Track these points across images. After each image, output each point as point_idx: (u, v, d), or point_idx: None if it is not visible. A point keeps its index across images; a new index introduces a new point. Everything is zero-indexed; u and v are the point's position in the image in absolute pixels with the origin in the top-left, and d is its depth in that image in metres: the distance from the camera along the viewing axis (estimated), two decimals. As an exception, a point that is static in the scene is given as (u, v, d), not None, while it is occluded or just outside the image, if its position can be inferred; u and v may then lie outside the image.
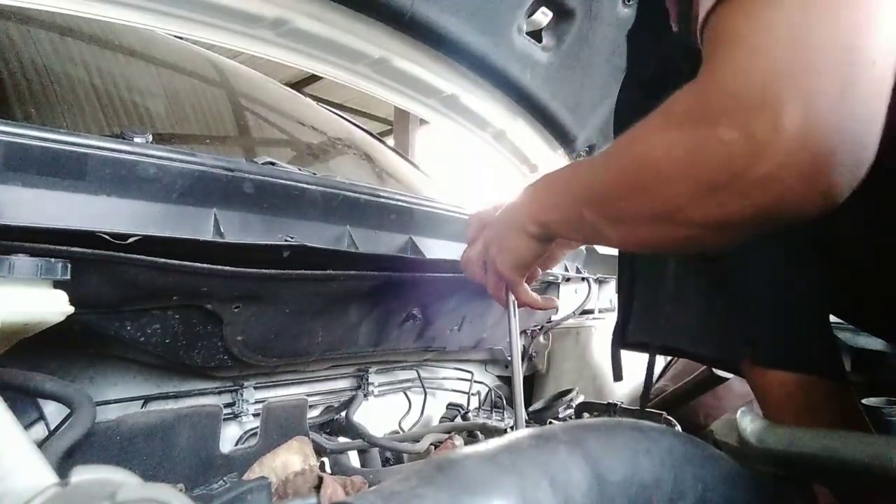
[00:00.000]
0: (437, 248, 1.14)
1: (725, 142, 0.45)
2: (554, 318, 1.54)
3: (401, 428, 1.28)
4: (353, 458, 1.12)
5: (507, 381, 1.55)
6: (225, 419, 0.94)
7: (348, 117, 2.03)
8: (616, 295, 1.66)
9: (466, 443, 1.17)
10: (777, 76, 0.42)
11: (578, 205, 0.64)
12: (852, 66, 0.42)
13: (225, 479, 0.90)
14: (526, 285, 0.87)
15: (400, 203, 1.08)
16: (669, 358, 1.61)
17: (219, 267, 0.75)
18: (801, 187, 0.43)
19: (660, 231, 0.54)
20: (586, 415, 1.31)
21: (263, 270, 0.79)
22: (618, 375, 0.97)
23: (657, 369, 1.64)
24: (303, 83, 6.80)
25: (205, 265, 0.73)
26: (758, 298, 0.78)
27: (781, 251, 0.76)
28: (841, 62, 0.42)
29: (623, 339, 0.94)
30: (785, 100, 0.42)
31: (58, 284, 0.62)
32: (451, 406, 1.38)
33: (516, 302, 0.89)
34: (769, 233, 0.49)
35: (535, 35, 1.43)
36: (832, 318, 0.82)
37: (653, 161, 0.51)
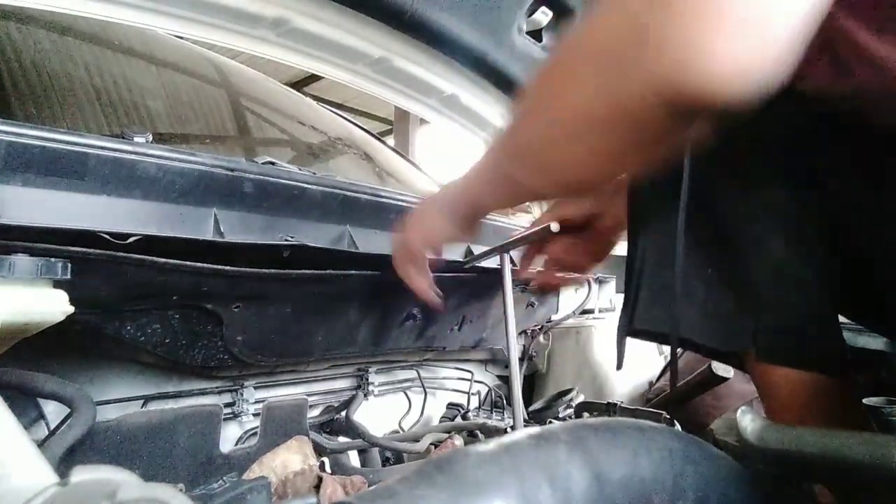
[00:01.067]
0: (437, 248, 1.14)
1: (634, 11, 0.41)
2: (554, 317, 1.54)
3: (401, 428, 1.28)
4: (353, 458, 1.12)
5: (507, 380, 1.55)
6: (225, 419, 0.94)
7: (348, 117, 2.03)
8: (619, 292, 1.66)
9: (466, 443, 1.17)
10: None
11: (502, 164, 0.66)
12: None
13: (225, 478, 0.90)
14: (424, 269, 0.88)
15: (400, 203, 1.08)
16: (670, 357, 1.60)
17: (219, 267, 0.75)
18: (709, 49, 0.38)
19: (566, 151, 0.52)
20: (586, 414, 1.31)
21: (263, 270, 0.79)
22: (620, 364, 0.96)
23: (657, 369, 1.64)
24: (303, 83, 6.80)
25: (205, 265, 0.73)
26: (762, 291, 0.78)
27: (788, 244, 0.76)
28: None
29: (629, 327, 0.94)
30: None
31: (58, 284, 0.62)
32: (451, 406, 1.38)
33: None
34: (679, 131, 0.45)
35: (535, 35, 1.43)
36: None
37: (566, 65, 0.50)
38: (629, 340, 0.97)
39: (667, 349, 1.59)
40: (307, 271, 0.84)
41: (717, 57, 0.38)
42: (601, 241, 0.97)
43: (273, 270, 0.80)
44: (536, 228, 0.92)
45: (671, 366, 0.91)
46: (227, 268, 0.75)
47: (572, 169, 0.55)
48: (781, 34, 0.39)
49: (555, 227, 0.88)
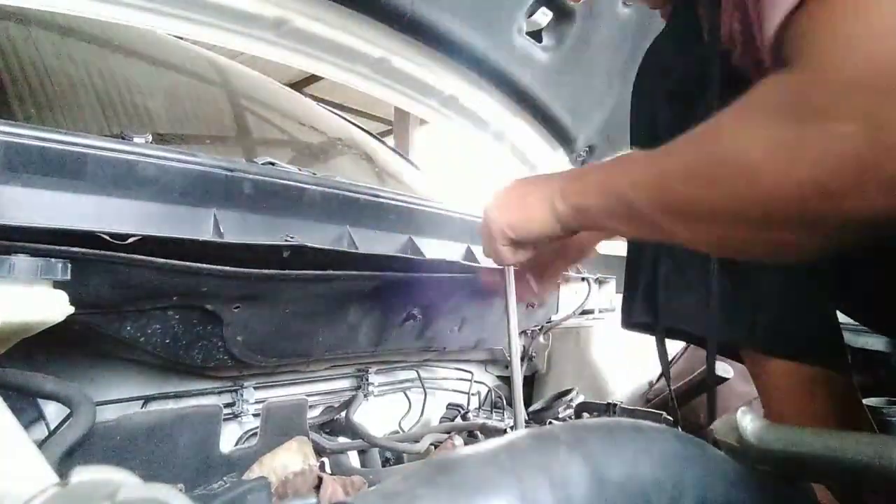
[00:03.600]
0: (436, 248, 1.14)
1: (843, 136, 0.39)
2: (554, 318, 1.54)
3: (401, 428, 1.28)
4: (353, 458, 1.12)
5: (507, 380, 1.55)
6: (225, 419, 0.94)
7: (348, 117, 2.03)
8: (619, 292, 1.66)
9: (466, 443, 1.17)
10: None
11: (627, 191, 0.57)
12: None
13: (225, 479, 0.90)
14: (510, 250, 0.81)
15: (400, 203, 1.08)
16: (670, 358, 1.61)
17: (219, 267, 0.75)
18: None
19: (741, 233, 0.48)
20: (586, 415, 1.31)
21: (263, 271, 0.79)
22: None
23: (657, 370, 1.64)
24: (303, 83, 6.80)
25: (205, 265, 0.73)
26: (761, 284, 0.78)
27: None
28: None
29: (628, 318, 0.94)
30: None
31: (58, 284, 0.62)
32: (451, 406, 1.38)
33: (511, 271, 0.87)
34: (875, 237, 0.43)
35: (535, 35, 1.43)
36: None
37: (741, 155, 0.45)
38: (631, 339, 0.97)
39: (668, 346, 1.59)
40: (307, 271, 0.84)
41: None
42: (571, 249, 0.98)
43: (273, 271, 0.80)
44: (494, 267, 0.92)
45: (661, 357, 0.91)
46: (227, 268, 0.75)
47: (751, 251, 0.52)
48: None
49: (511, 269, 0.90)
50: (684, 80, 0.78)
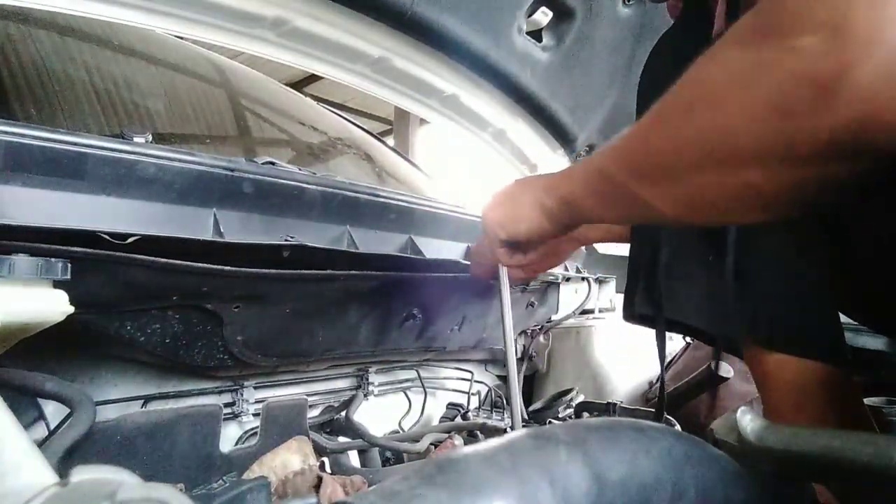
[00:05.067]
0: (437, 248, 1.14)
1: (800, 49, 0.37)
2: (554, 317, 1.54)
3: (401, 428, 1.28)
4: (353, 458, 1.12)
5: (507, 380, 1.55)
6: (225, 419, 0.94)
7: (348, 117, 2.03)
8: (619, 292, 1.66)
9: (466, 443, 1.17)
10: None
11: (606, 164, 0.56)
12: None
13: (225, 478, 0.90)
14: (507, 252, 0.83)
15: (400, 203, 1.07)
16: (670, 358, 1.61)
17: (218, 267, 0.75)
18: None
19: (713, 180, 0.45)
20: (586, 415, 1.31)
21: (263, 270, 0.79)
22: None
23: (657, 370, 1.64)
24: (303, 83, 6.80)
25: (204, 265, 0.73)
26: (762, 278, 0.77)
27: (787, 233, 0.76)
28: None
29: (630, 311, 0.94)
30: None
31: (58, 284, 0.62)
32: (451, 406, 1.38)
33: (505, 271, 0.87)
34: (845, 190, 0.40)
35: (535, 35, 1.43)
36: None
37: (705, 85, 0.43)
38: (631, 339, 0.97)
39: (668, 346, 1.58)
40: (307, 271, 0.84)
41: None
42: (552, 251, 0.97)
43: (273, 270, 0.80)
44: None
45: (660, 350, 0.91)
46: (227, 268, 0.76)
47: (720, 203, 0.47)
48: None
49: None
50: None
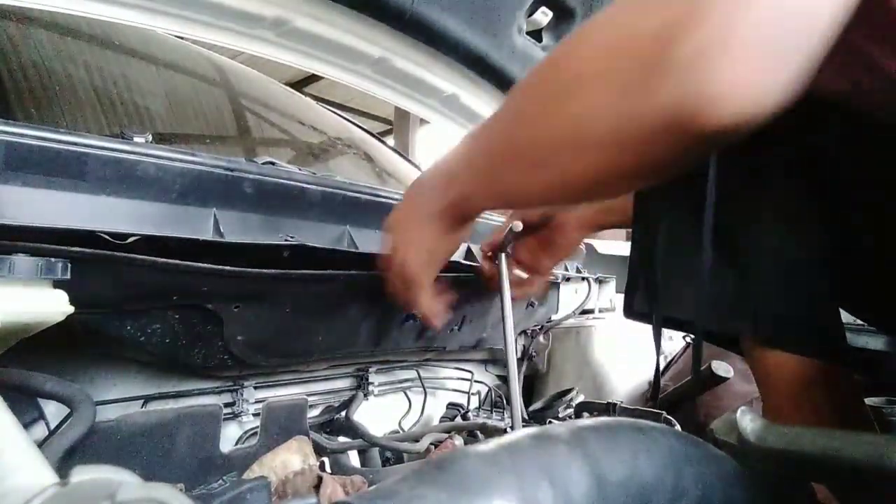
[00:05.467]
0: (437, 248, 1.13)
1: (638, 34, 0.39)
2: (554, 317, 1.54)
3: (401, 428, 1.28)
4: (353, 458, 1.12)
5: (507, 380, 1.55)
6: (225, 419, 0.94)
7: (348, 117, 2.03)
8: (619, 292, 1.66)
9: (466, 443, 1.17)
10: None
11: (476, 160, 0.60)
12: None
13: (225, 478, 0.90)
14: (429, 291, 0.80)
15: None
16: (670, 358, 1.61)
17: (219, 266, 0.75)
18: (732, 75, 0.36)
19: (571, 164, 0.48)
20: (586, 414, 1.31)
21: (263, 270, 0.79)
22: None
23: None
24: (303, 83, 6.80)
25: (204, 265, 0.73)
26: (762, 276, 0.78)
27: (789, 231, 0.76)
28: None
29: (630, 308, 0.95)
30: None
31: (58, 284, 0.62)
32: (451, 406, 1.38)
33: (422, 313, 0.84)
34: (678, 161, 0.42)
35: (535, 35, 1.43)
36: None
37: (564, 68, 0.46)
38: (631, 339, 0.97)
39: (668, 346, 1.59)
40: (307, 271, 0.84)
41: (740, 90, 0.36)
42: (561, 239, 0.98)
43: (273, 270, 0.80)
44: (503, 231, 0.93)
45: (657, 347, 0.92)
46: (227, 268, 0.76)
47: (575, 184, 0.50)
48: (801, 61, 0.37)
49: (518, 226, 0.89)
50: None
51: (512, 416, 0.92)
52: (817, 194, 0.73)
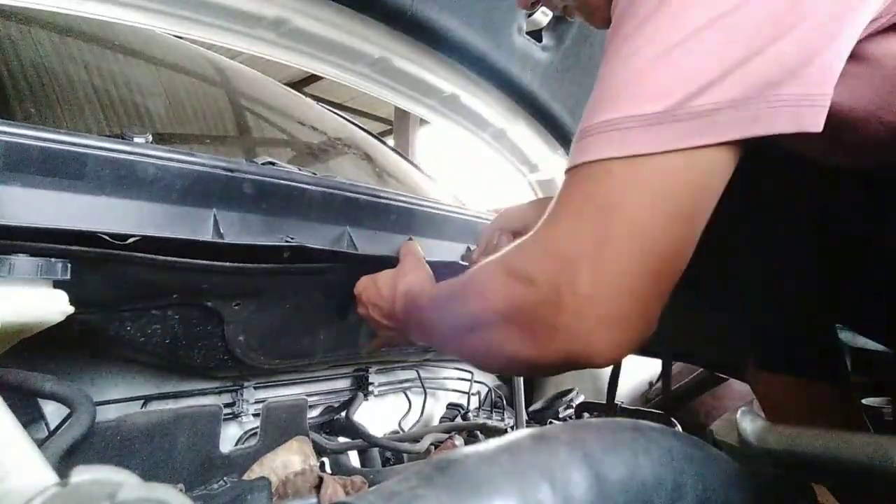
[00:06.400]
0: (436, 249, 1.14)
1: (537, 293, 0.51)
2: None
3: (401, 428, 1.28)
4: (353, 458, 1.12)
5: (508, 381, 1.55)
6: (225, 419, 0.94)
7: (348, 117, 2.02)
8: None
9: (466, 443, 1.17)
10: (578, 253, 0.49)
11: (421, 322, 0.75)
12: (642, 262, 0.48)
13: (225, 479, 0.90)
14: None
15: (400, 203, 1.07)
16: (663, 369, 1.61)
17: (218, 263, 0.75)
18: (591, 339, 0.50)
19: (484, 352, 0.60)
20: (586, 415, 1.31)
21: (263, 265, 0.80)
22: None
23: (657, 370, 1.64)
24: (303, 83, 6.80)
25: (203, 261, 0.73)
26: (761, 304, 0.78)
27: (786, 257, 0.76)
28: (630, 257, 0.48)
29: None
30: (581, 268, 0.49)
31: (58, 284, 0.62)
32: (451, 406, 1.38)
33: None
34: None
35: (535, 35, 1.43)
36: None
37: (482, 305, 0.58)
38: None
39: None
40: (307, 264, 0.84)
41: (605, 348, 0.50)
42: None
43: (272, 265, 0.80)
44: (493, 238, 0.97)
45: (664, 382, 0.92)
46: (226, 263, 0.76)
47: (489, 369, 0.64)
48: (648, 316, 0.50)
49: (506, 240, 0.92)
50: None
51: (516, 417, 0.92)
52: (814, 218, 0.73)
